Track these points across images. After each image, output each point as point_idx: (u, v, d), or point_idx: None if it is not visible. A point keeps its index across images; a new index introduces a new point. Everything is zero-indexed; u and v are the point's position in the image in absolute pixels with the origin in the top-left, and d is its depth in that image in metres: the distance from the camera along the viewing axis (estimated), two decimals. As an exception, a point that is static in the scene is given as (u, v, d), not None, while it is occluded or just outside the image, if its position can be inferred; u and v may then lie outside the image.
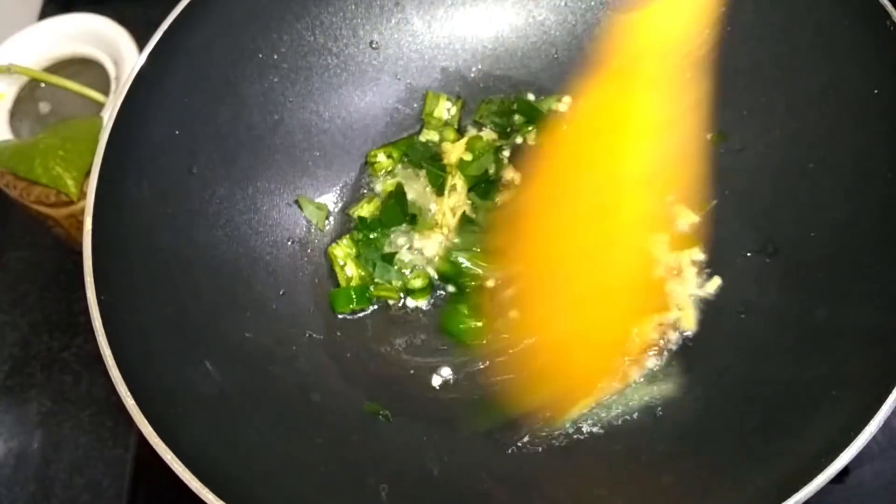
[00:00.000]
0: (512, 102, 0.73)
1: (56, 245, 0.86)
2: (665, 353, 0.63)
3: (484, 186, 0.71)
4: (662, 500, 0.55)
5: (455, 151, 0.72)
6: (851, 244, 0.57)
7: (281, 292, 0.67)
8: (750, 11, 0.65)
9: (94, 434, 0.79)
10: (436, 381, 0.65)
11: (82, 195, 0.71)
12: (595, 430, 0.61)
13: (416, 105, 0.74)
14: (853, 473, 0.64)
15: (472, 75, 0.74)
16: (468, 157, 0.71)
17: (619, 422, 0.60)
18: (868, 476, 0.65)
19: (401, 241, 0.71)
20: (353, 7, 0.70)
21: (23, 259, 0.90)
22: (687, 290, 0.65)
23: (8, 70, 0.82)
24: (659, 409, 0.61)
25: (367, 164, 0.74)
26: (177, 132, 0.63)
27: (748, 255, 0.64)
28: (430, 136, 0.74)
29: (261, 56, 0.67)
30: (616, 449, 0.59)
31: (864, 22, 0.58)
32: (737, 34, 0.66)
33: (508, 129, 0.74)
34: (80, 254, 0.55)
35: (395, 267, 0.69)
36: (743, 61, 0.66)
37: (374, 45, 0.72)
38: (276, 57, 0.68)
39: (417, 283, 0.69)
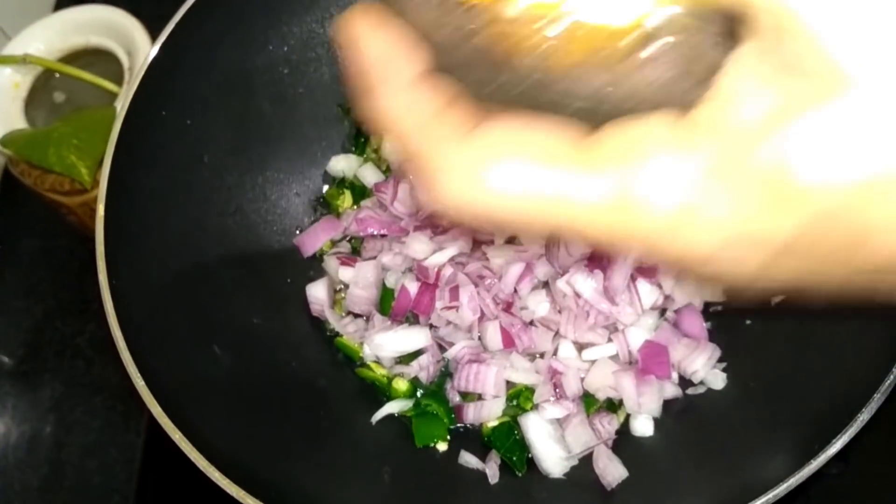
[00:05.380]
0: None
1: (69, 233, 0.87)
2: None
3: None
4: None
5: None
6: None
7: (288, 280, 0.67)
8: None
9: (105, 419, 0.79)
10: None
11: (96, 183, 0.72)
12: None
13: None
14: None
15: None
16: None
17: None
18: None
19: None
20: (362, -2, 0.70)
21: (37, 247, 0.91)
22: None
23: (23, 60, 0.83)
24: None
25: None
26: (188, 122, 0.64)
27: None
28: None
29: (271, 48, 0.68)
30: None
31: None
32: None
33: None
34: (93, 241, 0.56)
35: None
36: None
37: (382, 37, 0.72)
38: (285, 49, 0.68)
39: None
